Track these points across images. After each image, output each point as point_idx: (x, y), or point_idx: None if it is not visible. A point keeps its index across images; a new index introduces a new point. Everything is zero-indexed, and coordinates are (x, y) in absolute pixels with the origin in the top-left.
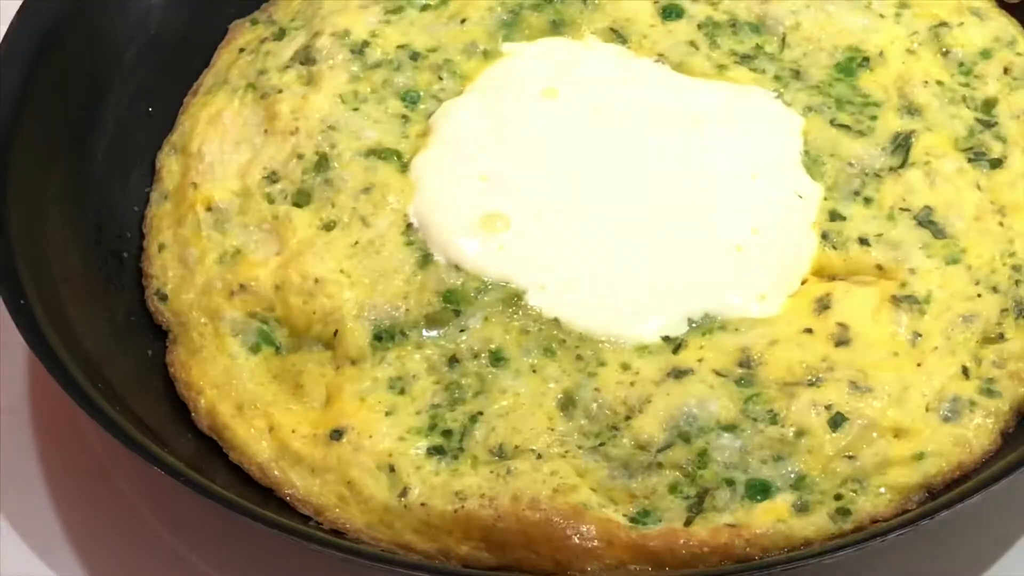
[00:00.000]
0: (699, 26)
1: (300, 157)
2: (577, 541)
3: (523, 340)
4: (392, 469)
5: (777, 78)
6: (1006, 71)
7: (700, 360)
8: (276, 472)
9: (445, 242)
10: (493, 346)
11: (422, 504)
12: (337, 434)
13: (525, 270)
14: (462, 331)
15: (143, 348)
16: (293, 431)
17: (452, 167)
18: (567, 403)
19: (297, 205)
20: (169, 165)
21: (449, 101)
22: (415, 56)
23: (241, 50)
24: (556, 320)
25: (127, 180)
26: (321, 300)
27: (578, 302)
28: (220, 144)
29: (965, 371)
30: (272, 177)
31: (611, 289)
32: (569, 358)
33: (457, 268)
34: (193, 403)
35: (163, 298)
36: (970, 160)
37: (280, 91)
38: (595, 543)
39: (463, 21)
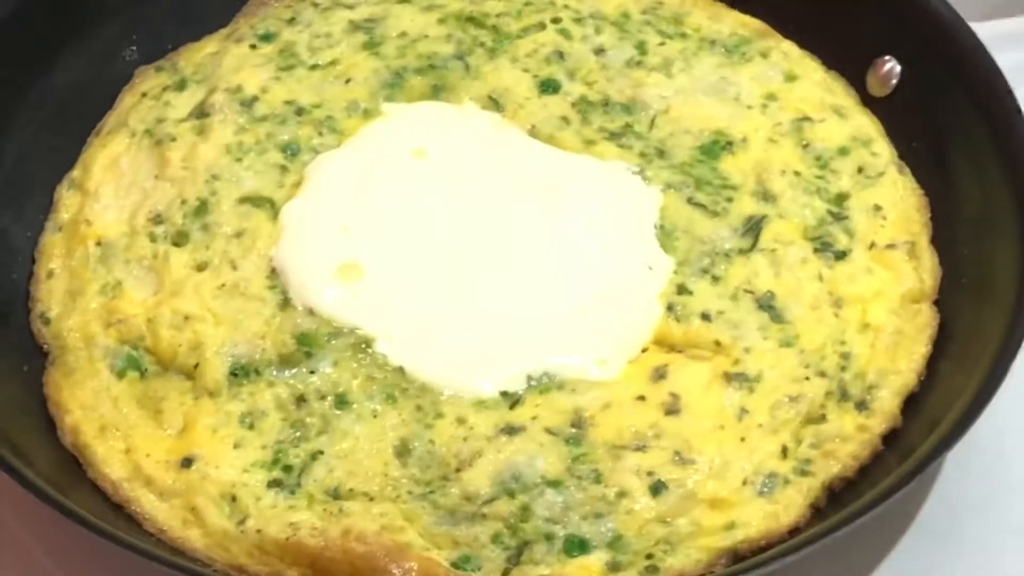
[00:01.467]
0: (573, 104)
1: (184, 202)
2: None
3: (368, 386)
4: (234, 499)
5: (642, 155)
6: (860, 170)
7: (534, 418)
8: (127, 490)
9: (300, 287)
10: (340, 389)
11: (257, 531)
12: (187, 462)
13: (375, 318)
14: (312, 373)
15: (20, 364)
16: (148, 455)
17: (317, 215)
18: (403, 451)
19: (176, 245)
20: (66, 199)
21: (324, 153)
22: (300, 111)
23: (143, 95)
24: (401, 369)
25: (23, 209)
26: (188, 334)
27: (423, 352)
28: (115, 187)
29: (784, 451)
30: (157, 219)
31: (456, 342)
32: (409, 407)
33: (312, 313)
34: (59, 421)
35: (46, 321)
36: (816, 250)
37: (174, 139)
38: None
39: (348, 81)
